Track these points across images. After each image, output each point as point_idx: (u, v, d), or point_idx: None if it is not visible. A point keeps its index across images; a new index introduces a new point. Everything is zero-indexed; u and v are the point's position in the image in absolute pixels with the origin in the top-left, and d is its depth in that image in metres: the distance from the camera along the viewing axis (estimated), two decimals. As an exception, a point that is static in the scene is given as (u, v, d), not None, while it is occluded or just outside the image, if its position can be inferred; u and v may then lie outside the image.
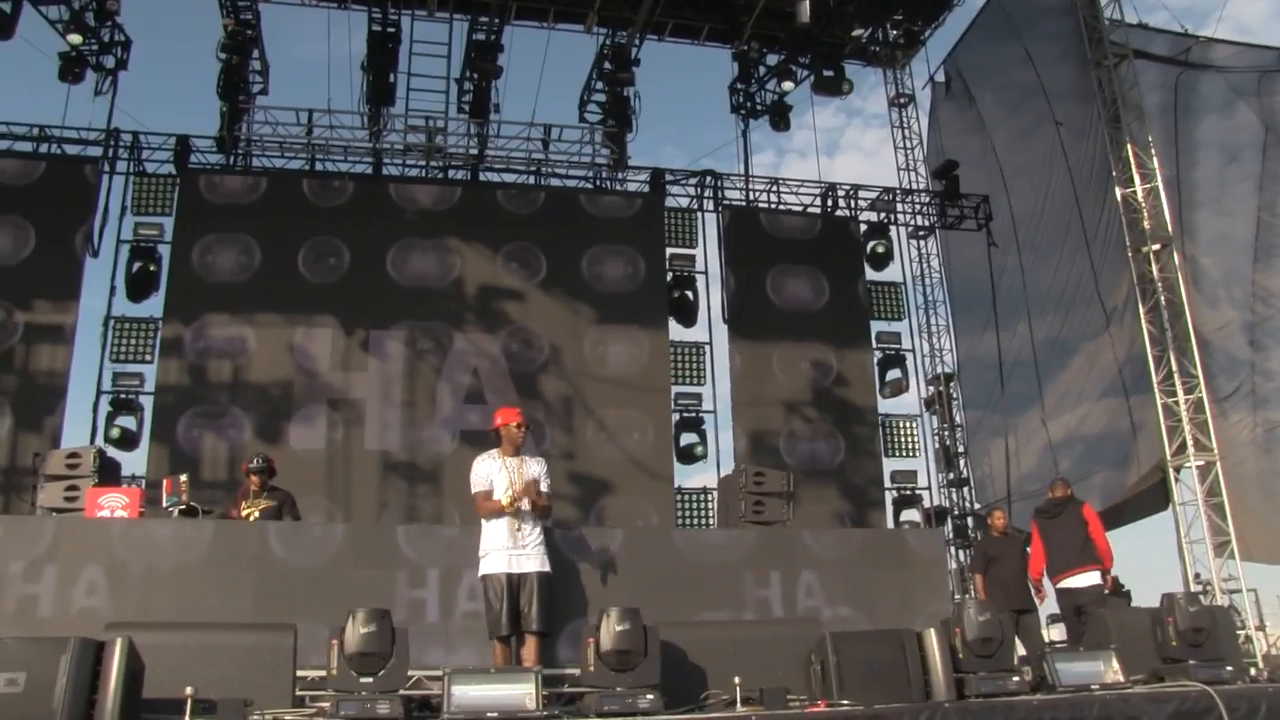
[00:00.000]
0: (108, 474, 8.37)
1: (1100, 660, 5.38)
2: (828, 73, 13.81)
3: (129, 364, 12.75)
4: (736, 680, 4.95)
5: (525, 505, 6.22)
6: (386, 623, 4.94)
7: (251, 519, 7.73)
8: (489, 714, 4.49)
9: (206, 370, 12.67)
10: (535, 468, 6.39)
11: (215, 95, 13.48)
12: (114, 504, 7.54)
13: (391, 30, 13.33)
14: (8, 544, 6.63)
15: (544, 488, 6.37)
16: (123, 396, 12.64)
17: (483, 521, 6.30)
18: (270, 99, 14.01)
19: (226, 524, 7.59)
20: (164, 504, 8.04)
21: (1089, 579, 8.37)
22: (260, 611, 6.41)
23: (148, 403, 12.58)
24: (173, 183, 13.34)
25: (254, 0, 13.39)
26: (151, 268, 13.04)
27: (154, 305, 13.01)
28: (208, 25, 13.59)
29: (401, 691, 4.86)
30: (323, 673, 5.02)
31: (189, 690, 4.29)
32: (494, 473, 6.29)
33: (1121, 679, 5.26)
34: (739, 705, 4.93)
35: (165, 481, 8.22)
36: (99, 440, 12.28)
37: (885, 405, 14.31)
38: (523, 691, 4.59)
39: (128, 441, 12.49)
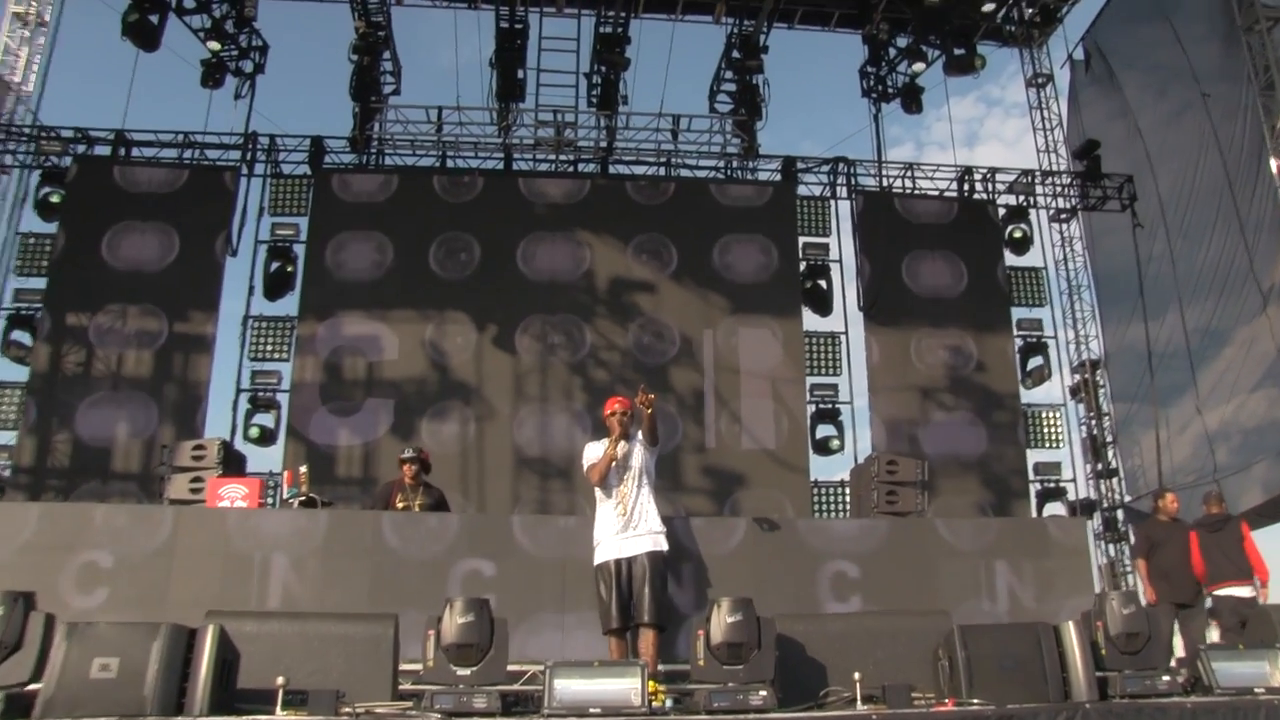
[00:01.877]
0: (232, 465, 8.96)
1: (1266, 661, 5.17)
2: (959, 51, 14.31)
3: (266, 362, 13.87)
4: (857, 676, 4.88)
5: (635, 448, 6.38)
6: (485, 612, 4.99)
7: None
8: (592, 709, 4.48)
9: (341, 367, 13.68)
10: (640, 447, 6.46)
11: (348, 96, 14.74)
12: (234, 494, 8.02)
13: (519, 26, 14.24)
14: (130, 533, 7.13)
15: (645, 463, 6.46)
16: (261, 394, 13.75)
17: (595, 509, 6.46)
18: (401, 99, 15.12)
19: (342, 513, 8.10)
20: (284, 495, 8.62)
21: (1247, 591, 8.76)
22: (374, 602, 6.70)
23: (284, 400, 13.67)
24: (308, 183, 14.47)
25: (384, 2, 14.59)
26: (289, 268, 14.16)
27: (290, 304, 14.14)
28: (341, 28, 14.76)
29: (501, 686, 4.92)
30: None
31: (280, 680, 4.44)
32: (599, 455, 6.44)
33: (1293, 682, 4.97)
34: (859, 703, 4.85)
35: (286, 473, 9.02)
36: (238, 438, 13.59)
37: (1028, 395, 14.69)
38: (628, 686, 4.57)
39: (266, 439, 13.66)
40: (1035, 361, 14.67)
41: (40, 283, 13.77)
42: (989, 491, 14.19)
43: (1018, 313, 14.93)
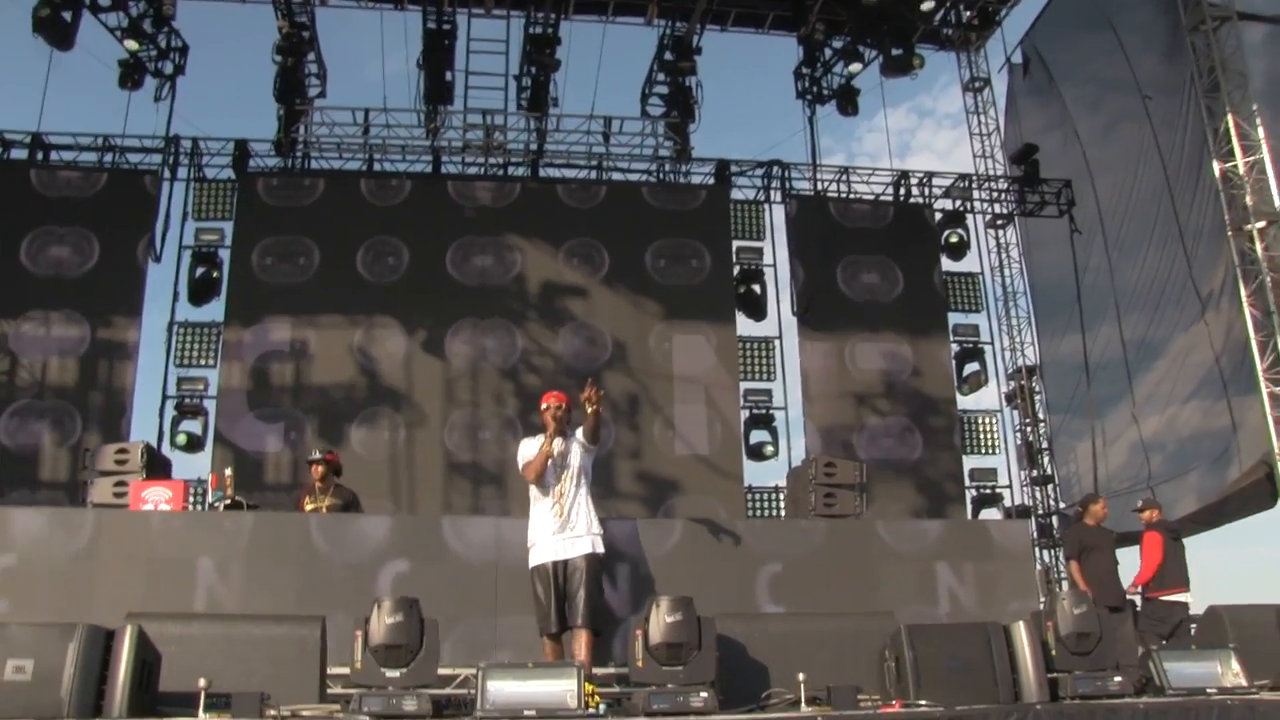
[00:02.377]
0: (157, 469, 8.87)
1: (1217, 660, 5.18)
2: (896, 51, 14.43)
3: (193, 368, 13.83)
4: (801, 677, 4.80)
5: (573, 447, 6.34)
6: (415, 612, 4.92)
7: None
8: (526, 712, 4.43)
9: (268, 373, 13.69)
10: (577, 441, 6.44)
11: (272, 99, 14.77)
12: (158, 498, 7.94)
13: (447, 27, 14.25)
14: (50, 537, 7.03)
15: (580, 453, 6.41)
16: (187, 401, 13.72)
17: (531, 509, 6.41)
18: (328, 102, 15.11)
19: (267, 516, 8.02)
20: (210, 499, 8.66)
21: (1189, 598, 9.02)
22: (301, 606, 6.55)
23: (211, 407, 13.64)
24: (232, 187, 14.44)
25: (309, 3, 14.64)
26: (214, 273, 14.10)
27: (216, 310, 14.12)
28: (263, 29, 14.78)
29: (432, 688, 4.87)
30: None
31: (202, 682, 4.36)
32: (535, 452, 6.39)
33: (1244, 682, 5.07)
34: (804, 705, 4.79)
35: (211, 476, 8.91)
36: (165, 445, 13.62)
37: (964, 401, 14.87)
38: (564, 688, 4.52)
39: (193, 445, 13.65)
40: (971, 367, 14.86)
41: None
42: (925, 497, 14.37)
43: (954, 318, 15.15)
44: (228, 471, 8.59)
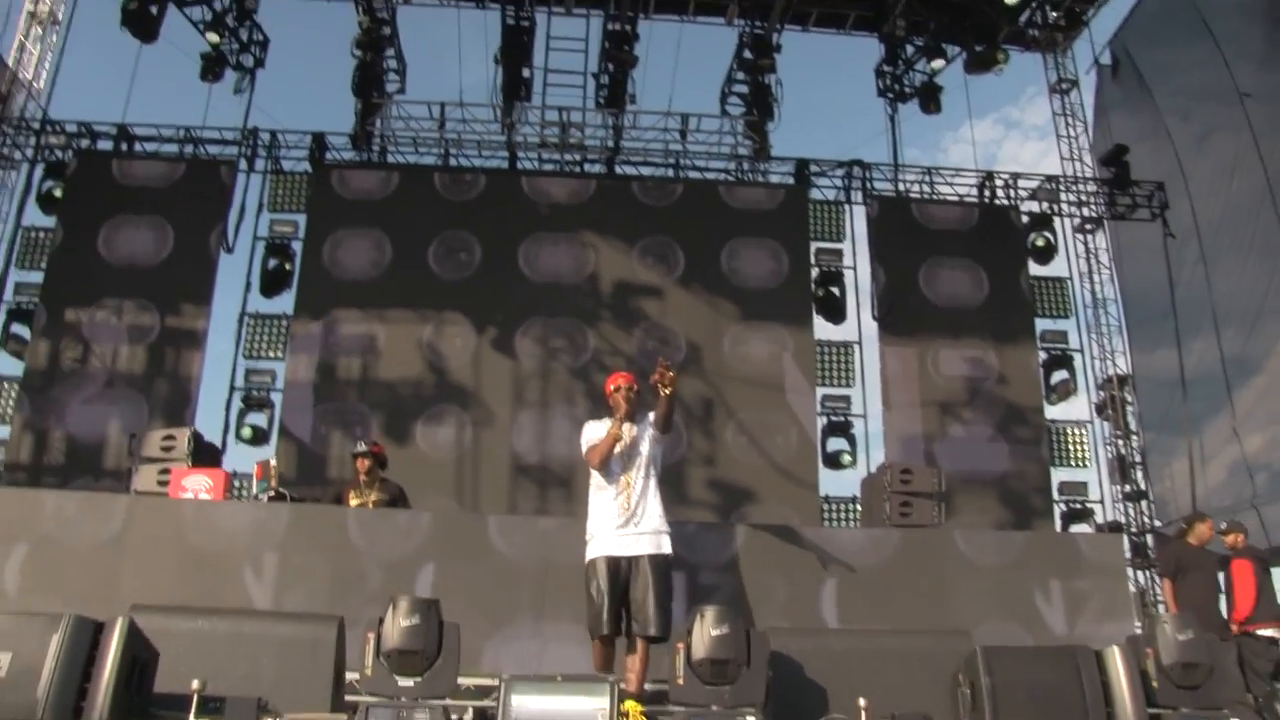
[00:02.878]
0: (204, 457, 8.80)
1: None
2: (980, 47, 14.37)
3: (261, 360, 14.06)
4: (862, 702, 4.48)
5: (644, 433, 5.95)
6: (433, 614, 4.62)
7: None
8: None
9: (336, 367, 13.83)
10: (646, 427, 6.04)
11: (350, 93, 15.06)
12: (197, 486, 7.90)
13: (526, 24, 14.57)
14: (80, 522, 6.96)
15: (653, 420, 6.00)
16: (254, 393, 13.88)
17: (590, 499, 5.98)
18: (405, 96, 15.40)
19: (305, 509, 7.87)
20: (254, 490, 8.52)
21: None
22: (334, 604, 6.32)
23: (278, 400, 13.81)
24: (307, 180, 14.70)
25: (390, 1, 14.93)
26: (286, 265, 14.34)
27: (286, 302, 14.32)
28: (343, 25, 15.14)
29: (448, 700, 4.57)
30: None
31: (196, 684, 4.12)
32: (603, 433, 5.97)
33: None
34: None
35: (256, 466, 8.76)
36: (231, 438, 13.78)
37: (1053, 410, 14.53)
38: (595, 706, 4.22)
39: (258, 439, 13.79)
40: (1060, 375, 14.54)
41: (39, 277, 14.10)
42: (1010, 511, 14.02)
43: (1041, 324, 14.81)
44: (272, 462, 8.71)
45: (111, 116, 14.84)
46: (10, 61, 15.04)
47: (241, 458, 13.85)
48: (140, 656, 4.20)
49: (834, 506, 14.14)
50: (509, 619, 6.83)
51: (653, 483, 5.90)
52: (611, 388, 6.01)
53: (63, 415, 13.32)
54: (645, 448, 5.94)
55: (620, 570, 5.64)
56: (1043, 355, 14.70)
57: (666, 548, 5.76)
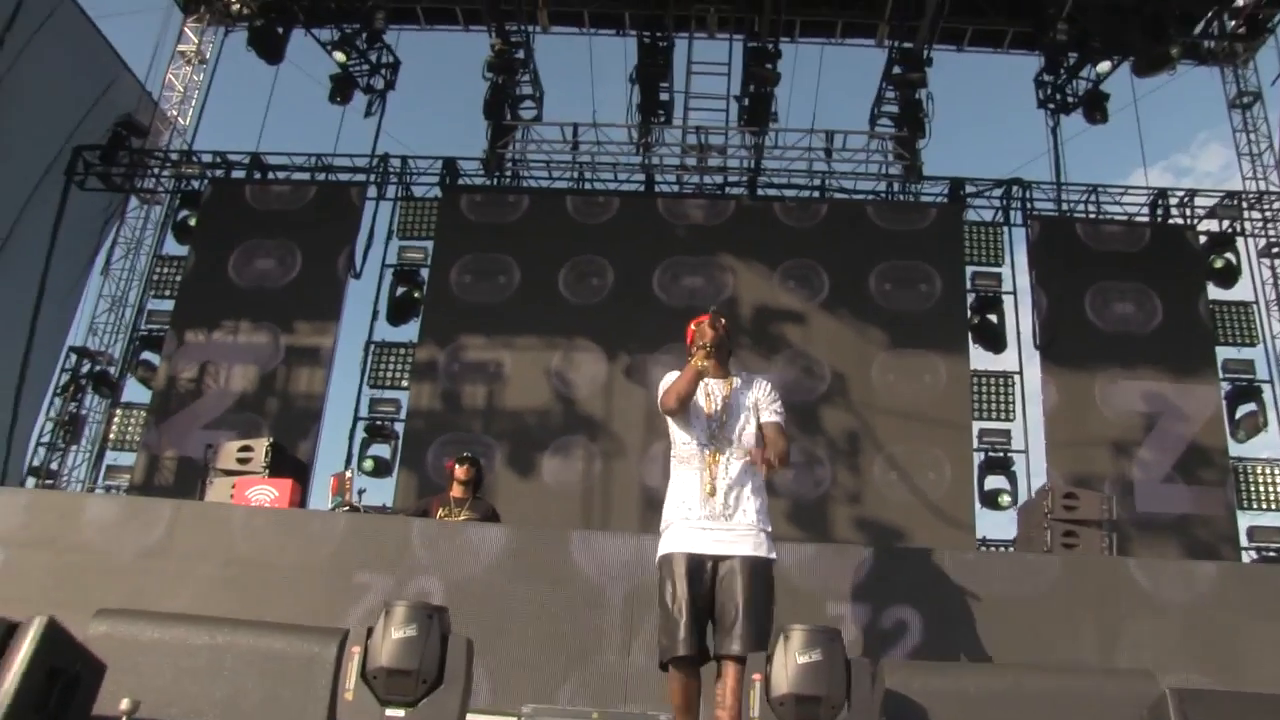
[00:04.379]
0: (284, 468, 8.88)
1: None
2: (1152, 47, 14.12)
3: (386, 390, 14.75)
4: None
5: (741, 410, 4.99)
6: (436, 625, 4.07)
7: None
8: None
9: (460, 395, 14.42)
10: (753, 391, 5.09)
11: (481, 116, 15.73)
12: (263, 497, 7.88)
13: (664, 44, 15.14)
14: (121, 528, 6.92)
15: (771, 415, 5.01)
16: (378, 423, 14.60)
17: (672, 476, 5.06)
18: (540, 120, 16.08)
19: (364, 519, 7.79)
20: (328, 504, 8.51)
21: None
22: None
23: (401, 430, 14.45)
24: (437, 205, 15.54)
25: (522, 24, 15.59)
26: (415, 293, 15.13)
27: (413, 330, 15.08)
28: (475, 46, 15.93)
29: None
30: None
31: (125, 705, 3.67)
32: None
33: None
34: None
35: (331, 479, 8.79)
36: (352, 467, 14.27)
37: (1239, 448, 14.23)
38: None
39: (381, 470, 14.36)
40: (1246, 408, 14.22)
41: (170, 304, 15.24)
42: (1191, 558, 13.59)
43: (1223, 353, 14.57)
44: (347, 474, 8.74)
45: (247, 146, 16.05)
46: (159, 99, 16.23)
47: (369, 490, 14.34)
48: (67, 668, 3.48)
49: (991, 549, 13.89)
50: (593, 649, 6.54)
51: (751, 473, 4.90)
52: (693, 326, 5.26)
53: (184, 439, 14.17)
54: (741, 424, 4.95)
55: (705, 572, 4.70)
56: (1226, 387, 14.43)
57: (768, 550, 4.78)
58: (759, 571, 4.69)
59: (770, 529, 4.88)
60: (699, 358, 5.00)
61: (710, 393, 5.00)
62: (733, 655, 4.46)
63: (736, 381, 5.10)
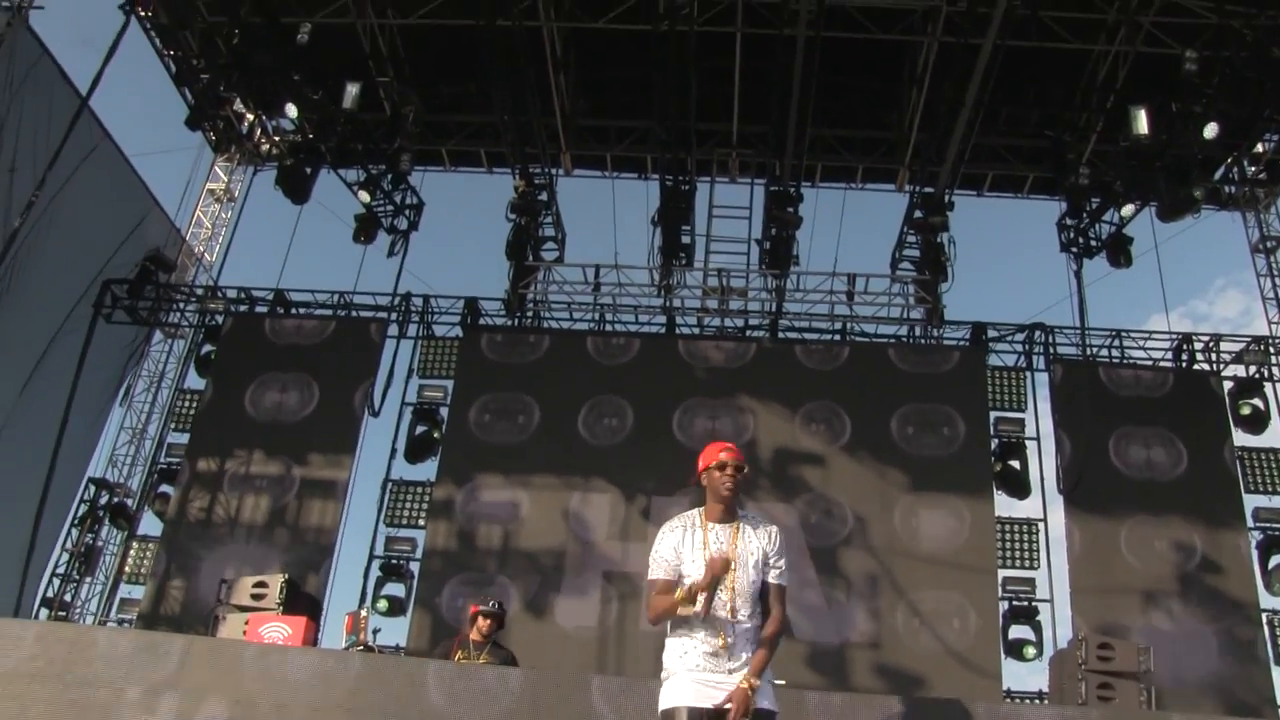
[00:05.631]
0: (299, 606, 9.28)
1: None
2: (1176, 190, 14.88)
3: (403, 528, 15.55)
4: None
5: (727, 607, 4.80)
6: None
7: None
8: None
9: (475, 535, 15.22)
10: (760, 540, 4.98)
11: (504, 257, 16.76)
12: (276, 635, 8.17)
13: (685, 188, 16.14)
14: (131, 664, 7.00)
15: (775, 575, 4.95)
16: (393, 562, 15.33)
17: (669, 623, 4.94)
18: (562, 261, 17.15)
19: (378, 660, 8.03)
20: (343, 643, 8.96)
21: None
22: None
23: (416, 569, 15.18)
24: (457, 344, 16.54)
25: (545, 166, 16.67)
26: (435, 433, 16.05)
27: (430, 469, 15.93)
28: (498, 190, 17.02)
29: None
30: None
31: None
32: (686, 549, 4.93)
33: None
34: None
35: (346, 618, 9.34)
36: (367, 606, 14.85)
37: (1272, 600, 14.61)
38: None
39: (395, 609, 14.99)
40: (1278, 559, 14.51)
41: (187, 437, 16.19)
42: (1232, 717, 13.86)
43: (1252, 501, 15.13)
44: (363, 613, 9.29)
45: (271, 282, 17.35)
46: (187, 235, 17.41)
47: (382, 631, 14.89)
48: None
49: (1016, 701, 14.30)
50: None
51: (757, 626, 4.84)
52: (719, 460, 4.99)
53: (194, 570, 14.98)
54: (752, 575, 4.87)
55: None
56: (1256, 536, 14.87)
57: (771, 701, 4.78)
58: None
59: (773, 680, 4.94)
60: (687, 606, 4.76)
61: (716, 542, 4.88)
62: None
63: (744, 527, 4.97)
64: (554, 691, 7.01)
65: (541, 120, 15.85)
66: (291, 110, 14.89)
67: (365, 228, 16.59)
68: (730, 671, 4.67)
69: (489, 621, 8.57)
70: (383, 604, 15.02)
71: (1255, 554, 14.81)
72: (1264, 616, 14.52)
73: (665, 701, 4.77)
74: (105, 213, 16.51)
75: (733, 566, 4.76)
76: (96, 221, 16.38)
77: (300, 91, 14.55)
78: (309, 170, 15.95)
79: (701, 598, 4.66)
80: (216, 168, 18.48)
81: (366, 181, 16.32)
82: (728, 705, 4.57)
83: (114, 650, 7.12)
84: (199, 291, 17.65)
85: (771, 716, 4.76)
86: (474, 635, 8.54)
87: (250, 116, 17.53)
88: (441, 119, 17.49)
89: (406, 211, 17.01)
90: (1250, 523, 14.96)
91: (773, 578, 4.91)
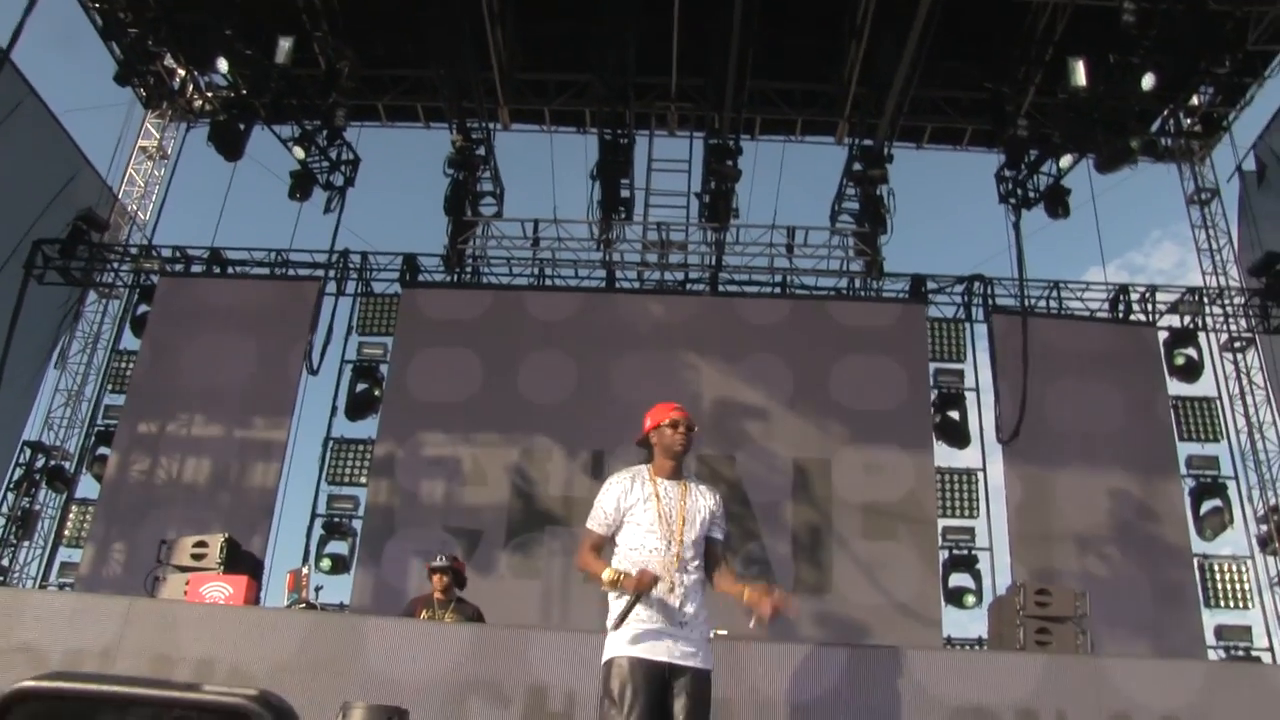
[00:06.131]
0: (240, 565, 8.97)
1: None
2: (1112, 143, 14.81)
3: (345, 486, 15.33)
4: None
5: (698, 501, 5.00)
6: None
7: None
8: None
9: (418, 492, 15.04)
10: (707, 500, 5.08)
11: (441, 212, 16.46)
12: (217, 594, 7.88)
13: (625, 142, 15.88)
14: (71, 625, 6.87)
15: (720, 533, 5.10)
16: (336, 520, 15.12)
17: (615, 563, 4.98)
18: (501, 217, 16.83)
19: (325, 618, 7.86)
20: (284, 602, 8.72)
21: None
22: None
23: (360, 527, 14.98)
24: (397, 301, 16.27)
25: (483, 121, 16.31)
26: (376, 391, 15.80)
27: (372, 426, 15.67)
28: (436, 145, 16.66)
29: None
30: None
31: None
32: (632, 502, 4.97)
33: None
34: None
35: (288, 575, 9.05)
36: (312, 566, 14.63)
37: (1204, 545, 14.80)
38: None
39: (338, 568, 14.81)
40: (1211, 504, 14.80)
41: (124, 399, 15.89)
42: (1158, 658, 13.96)
43: (1186, 449, 15.24)
44: (304, 570, 9.04)
45: (206, 241, 16.95)
46: (120, 193, 16.95)
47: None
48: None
49: (958, 649, 14.21)
50: None
51: (701, 582, 4.95)
52: (669, 419, 5.11)
53: (132, 533, 14.64)
54: (699, 530, 4.96)
55: (661, 682, 4.67)
56: (1189, 483, 15.06)
57: (705, 660, 4.80)
58: (704, 688, 4.74)
59: (713, 634, 5.02)
60: (606, 582, 4.75)
61: (666, 496, 4.96)
62: None
63: (692, 485, 5.08)
64: (497, 646, 6.97)
65: (478, 74, 15.43)
66: (223, 65, 14.48)
67: (301, 184, 16.21)
68: (681, 624, 4.72)
69: (442, 577, 8.47)
70: (326, 563, 14.85)
71: (1188, 500, 14.94)
72: (1195, 561, 14.66)
73: (610, 651, 4.72)
74: (32, 171, 15.98)
75: (684, 523, 4.86)
76: (23, 180, 15.85)
77: (232, 46, 14.16)
78: (242, 126, 15.55)
79: (626, 599, 4.64)
80: (148, 124, 17.94)
81: (301, 137, 15.93)
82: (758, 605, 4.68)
83: (51, 613, 6.98)
84: (133, 251, 17.23)
85: (707, 676, 4.75)
86: (436, 594, 8.49)
87: (181, 72, 16.98)
88: (377, 73, 17.03)
89: (343, 167, 16.62)
90: (1184, 470, 15.08)
91: (719, 534, 5.05)
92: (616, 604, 4.78)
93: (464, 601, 8.64)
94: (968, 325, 16.06)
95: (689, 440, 5.07)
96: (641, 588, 4.58)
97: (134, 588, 13.18)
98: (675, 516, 4.87)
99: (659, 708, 4.58)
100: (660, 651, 4.66)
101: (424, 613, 8.40)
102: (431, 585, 8.56)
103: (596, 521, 4.98)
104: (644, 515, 4.88)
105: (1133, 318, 16.12)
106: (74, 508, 15.53)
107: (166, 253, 16.81)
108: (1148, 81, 13.49)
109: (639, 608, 4.65)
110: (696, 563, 4.88)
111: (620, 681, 4.62)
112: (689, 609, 4.75)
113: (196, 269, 16.68)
